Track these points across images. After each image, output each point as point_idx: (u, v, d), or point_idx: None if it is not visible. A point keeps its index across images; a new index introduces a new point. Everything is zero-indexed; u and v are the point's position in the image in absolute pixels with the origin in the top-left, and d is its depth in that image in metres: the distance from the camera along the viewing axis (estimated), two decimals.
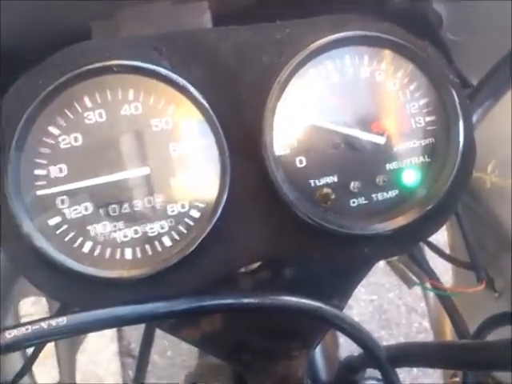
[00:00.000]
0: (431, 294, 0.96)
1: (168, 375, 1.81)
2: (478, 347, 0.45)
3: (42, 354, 0.65)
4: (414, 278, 0.82)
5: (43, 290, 0.43)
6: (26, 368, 0.67)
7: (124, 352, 1.87)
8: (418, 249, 0.84)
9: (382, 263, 0.95)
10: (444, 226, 0.97)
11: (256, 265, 0.56)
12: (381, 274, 1.92)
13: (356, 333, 0.47)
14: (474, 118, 0.54)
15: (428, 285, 0.79)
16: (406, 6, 0.51)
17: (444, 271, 0.86)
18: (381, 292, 2.05)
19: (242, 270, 0.55)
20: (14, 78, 0.43)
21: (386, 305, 2.07)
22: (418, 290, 0.98)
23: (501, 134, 0.76)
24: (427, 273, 0.80)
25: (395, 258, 0.75)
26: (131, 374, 1.90)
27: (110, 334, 1.84)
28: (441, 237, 0.90)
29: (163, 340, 1.83)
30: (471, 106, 0.54)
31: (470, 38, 0.56)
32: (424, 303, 1.15)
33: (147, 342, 0.76)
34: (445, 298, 0.79)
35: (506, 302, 0.83)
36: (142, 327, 0.84)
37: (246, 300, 0.46)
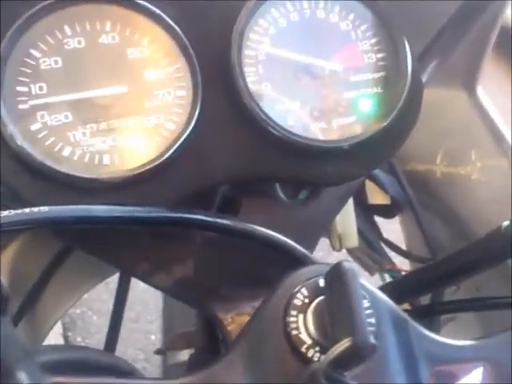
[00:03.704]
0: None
1: None
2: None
3: None
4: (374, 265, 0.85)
5: (21, 194, 0.45)
6: None
7: None
8: (377, 240, 0.88)
9: None
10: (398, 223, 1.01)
11: None
12: None
13: None
14: (424, 77, 0.61)
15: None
16: None
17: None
18: None
19: None
20: None
21: None
22: None
23: (447, 124, 0.82)
24: (386, 260, 0.84)
25: (356, 245, 0.78)
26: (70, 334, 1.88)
27: None
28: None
29: None
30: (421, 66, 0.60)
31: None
32: None
33: (121, 297, 0.75)
34: None
35: (464, 294, 0.85)
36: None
37: (218, 220, 0.49)
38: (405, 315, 0.36)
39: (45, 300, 0.72)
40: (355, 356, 0.30)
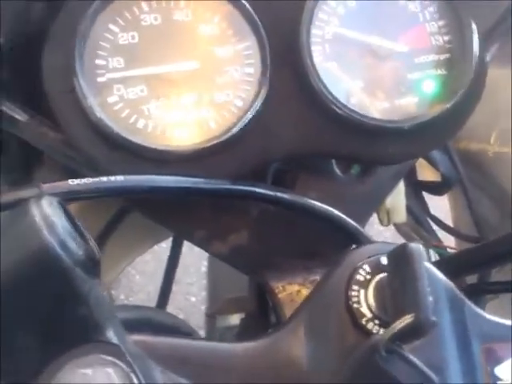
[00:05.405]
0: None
1: None
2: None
3: None
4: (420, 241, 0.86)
5: (98, 163, 0.48)
6: None
7: None
8: (424, 217, 0.89)
9: None
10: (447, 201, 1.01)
11: None
12: None
13: None
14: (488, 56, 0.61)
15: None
16: None
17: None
18: None
19: None
20: None
21: None
22: None
23: (503, 104, 0.81)
24: (433, 237, 0.85)
25: (404, 221, 0.79)
26: (114, 292, 1.95)
27: None
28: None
29: None
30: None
31: None
32: None
33: (173, 260, 0.79)
34: None
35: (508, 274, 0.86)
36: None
37: (280, 194, 0.51)
38: (461, 295, 0.38)
39: (102, 261, 0.75)
40: (416, 331, 0.32)
